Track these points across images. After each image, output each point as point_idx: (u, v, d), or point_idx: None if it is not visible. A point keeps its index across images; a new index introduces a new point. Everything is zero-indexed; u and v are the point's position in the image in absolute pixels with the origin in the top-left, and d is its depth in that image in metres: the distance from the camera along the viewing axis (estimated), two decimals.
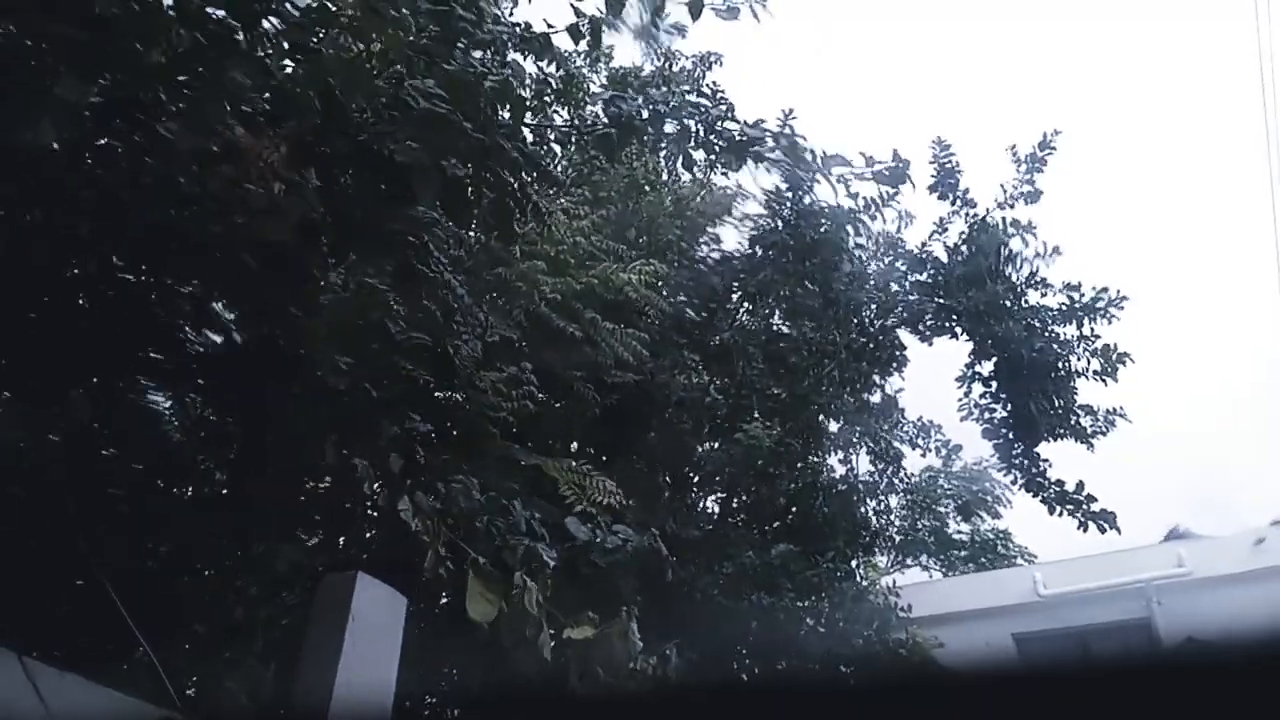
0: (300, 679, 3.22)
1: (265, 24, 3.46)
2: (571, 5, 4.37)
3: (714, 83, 6.71)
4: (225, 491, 4.87)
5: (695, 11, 4.48)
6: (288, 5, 3.47)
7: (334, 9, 3.51)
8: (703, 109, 4.77)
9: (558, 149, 5.84)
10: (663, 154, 8.95)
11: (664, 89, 8.81)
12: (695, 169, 8.20)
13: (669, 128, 5.09)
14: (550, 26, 4.50)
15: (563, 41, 4.78)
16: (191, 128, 3.39)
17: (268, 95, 3.54)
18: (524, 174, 4.08)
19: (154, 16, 3.12)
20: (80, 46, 2.97)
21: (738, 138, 4.66)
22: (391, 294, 4.37)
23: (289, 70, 3.66)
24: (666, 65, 9.25)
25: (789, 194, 8.32)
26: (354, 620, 3.22)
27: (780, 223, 8.49)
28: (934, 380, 9.67)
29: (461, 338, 4.70)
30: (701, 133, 4.69)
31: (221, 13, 3.31)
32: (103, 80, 3.29)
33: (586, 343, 6.93)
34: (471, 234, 5.71)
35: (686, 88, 9.06)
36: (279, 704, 4.14)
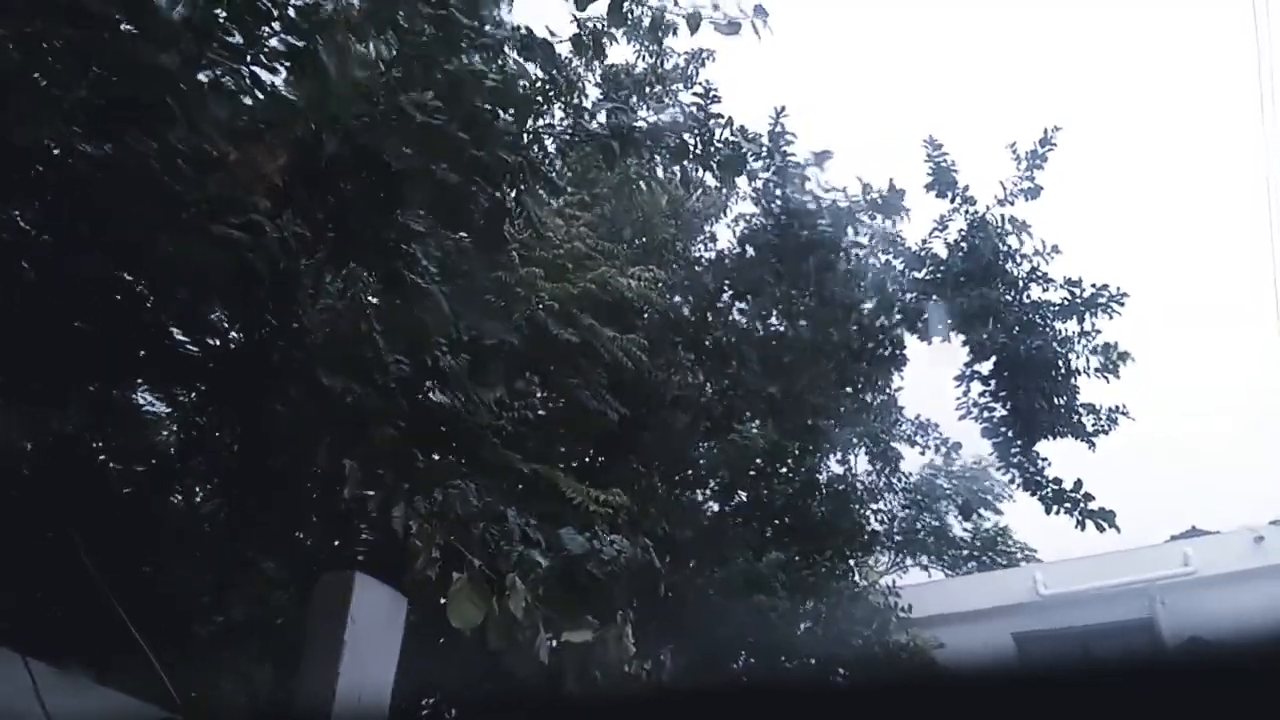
0: (300, 679, 3.24)
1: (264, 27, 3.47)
2: (573, 16, 4.38)
3: (707, 82, 6.65)
4: (224, 492, 4.89)
5: (693, 26, 4.50)
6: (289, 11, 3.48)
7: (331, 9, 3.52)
8: (699, 122, 4.77)
9: (553, 150, 5.82)
10: (658, 158, 8.93)
11: (658, 88, 8.81)
12: (690, 172, 8.16)
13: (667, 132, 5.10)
14: (553, 34, 4.51)
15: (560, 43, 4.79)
16: (192, 132, 3.41)
17: (265, 101, 3.56)
18: (519, 183, 4.09)
19: (154, 18, 3.14)
20: (77, 46, 2.99)
21: (733, 151, 4.67)
22: (374, 313, 4.36)
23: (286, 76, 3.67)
24: (659, 63, 9.20)
25: (779, 191, 8.26)
26: (353, 620, 3.24)
27: (771, 220, 8.43)
28: (931, 377, 9.64)
29: (445, 354, 4.68)
30: (698, 148, 4.70)
31: (223, 14, 3.33)
32: (103, 82, 3.30)
33: (585, 348, 6.90)
34: (467, 240, 5.70)
35: (679, 86, 9.05)
36: (279, 704, 4.16)
